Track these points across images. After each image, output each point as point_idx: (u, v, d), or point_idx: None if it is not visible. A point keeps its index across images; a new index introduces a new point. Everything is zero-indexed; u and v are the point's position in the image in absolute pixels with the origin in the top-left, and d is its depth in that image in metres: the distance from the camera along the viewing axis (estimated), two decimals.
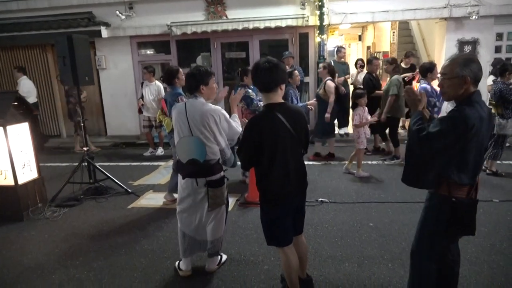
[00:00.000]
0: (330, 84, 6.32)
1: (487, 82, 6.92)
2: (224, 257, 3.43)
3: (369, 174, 5.69)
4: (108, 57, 8.96)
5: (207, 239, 3.18)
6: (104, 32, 8.53)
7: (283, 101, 2.51)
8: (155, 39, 8.80)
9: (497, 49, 8.10)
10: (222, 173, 3.09)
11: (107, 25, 8.55)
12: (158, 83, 7.44)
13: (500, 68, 5.66)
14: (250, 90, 5.23)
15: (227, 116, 3.05)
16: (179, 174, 3.12)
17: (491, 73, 6.79)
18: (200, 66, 3.09)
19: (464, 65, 2.10)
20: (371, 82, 6.89)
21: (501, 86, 5.41)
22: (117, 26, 8.59)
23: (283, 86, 2.48)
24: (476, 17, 7.38)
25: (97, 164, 5.49)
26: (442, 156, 2.13)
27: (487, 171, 5.64)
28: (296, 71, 5.81)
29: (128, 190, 5.33)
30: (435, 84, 5.90)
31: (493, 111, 5.59)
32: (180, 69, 4.53)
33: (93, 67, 8.54)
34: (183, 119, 2.95)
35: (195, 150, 2.92)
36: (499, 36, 8.05)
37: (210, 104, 3.00)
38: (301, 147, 2.58)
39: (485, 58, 7.86)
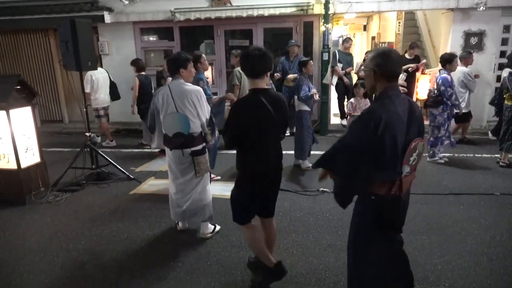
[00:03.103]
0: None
1: (502, 74, 6.85)
2: (218, 227, 3.78)
3: None
4: (111, 43, 8.90)
5: (196, 205, 3.58)
6: (107, 17, 8.45)
7: (267, 87, 2.68)
8: (158, 25, 8.73)
9: (504, 42, 7.98)
10: (204, 144, 3.53)
11: (110, 10, 8.47)
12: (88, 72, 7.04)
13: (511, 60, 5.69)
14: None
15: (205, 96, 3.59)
16: (166, 148, 3.54)
17: (506, 66, 6.71)
18: (181, 52, 3.64)
19: (372, 58, 2.14)
20: None
21: None
22: (120, 11, 8.51)
23: (269, 74, 2.65)
24: (484, 8, 7.26)
25: (99, 150, 5.50)
26: (364, 158, 2.09)
27: (500, 163, 5.67)
28: (311, 61, 5.78)
29: (130, 176, 5.35)
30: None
31: (508, 102, 5.58)
32: (203, 55, 4.96)
33: (96, 53, 8.57)
34: (168, 98, 3.40)
35: (180, 124, 3.34)
36: (506, 29, 7.93)
37: (191, 84, 3.52)
38: (281, 131, 2.76)
39: (491, 50, 7.79)
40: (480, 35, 7.74)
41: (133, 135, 7.85)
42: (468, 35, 7.75)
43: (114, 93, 7.66)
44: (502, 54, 7.93)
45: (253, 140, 2.58)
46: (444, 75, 5.60)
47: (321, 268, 3.10)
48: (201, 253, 3.37)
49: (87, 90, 7.04)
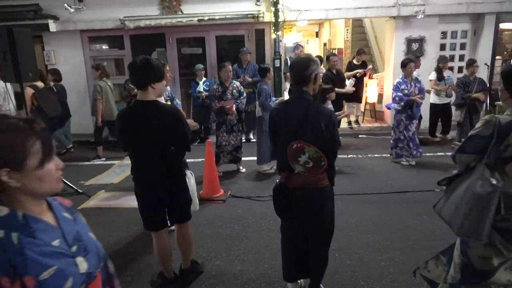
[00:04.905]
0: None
1: (429, 77, 7.30)
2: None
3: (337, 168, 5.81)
4: (58, 52, 8.55)
5: None
6: (52, 26, 8.12)
7: (154, 99, 2.62)
8: (108, 33, 8.50)
9: (442, 47, 8.53)
10: None
11: (55, 18, 8.15)
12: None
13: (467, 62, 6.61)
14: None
15: None
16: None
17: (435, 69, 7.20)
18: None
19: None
20: (329, 79, 7.06)
21: (461, 79, 6.37)
22: (66, 19, 8.21)
23: (156, 85, 2.58)
24: (422, 16, 7.74)
25: None
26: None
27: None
28: (271, 67, 5.89)
29: (79, 190, 5.15)
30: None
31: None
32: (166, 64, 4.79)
33: (42, 63, 8.21)
34: None
35: None
36: (444, 34, 8.49)
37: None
38: (168, 143, 2.63)
39: (431, 55, 8.28)
40: (421, 41, 8.23)
41: (84, 147, 7.58)
42: (409, 41, 8.22)
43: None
44: None
45: (133, 149, 2.66)
46: (398, 79, 5.92)
47: (271, 272, 3.15)
48: (152, 266, 3.30)
49: None
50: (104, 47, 9.02)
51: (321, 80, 7.44)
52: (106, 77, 7.03)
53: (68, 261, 1.14)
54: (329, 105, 5.71)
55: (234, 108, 5.53)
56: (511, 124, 1.83)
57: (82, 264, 1.18)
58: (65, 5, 7.79)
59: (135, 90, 6.94)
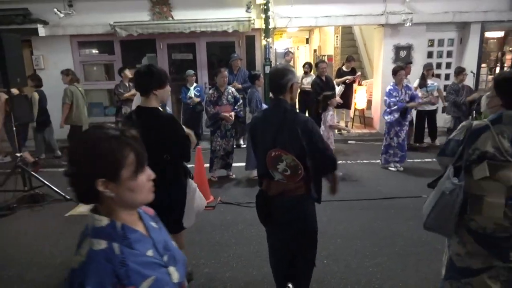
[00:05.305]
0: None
1: (413, 84, 7.41)
2: None
3: (342, 173, 5.84)
4: (47, 57, 8.49)
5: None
6: (42, 31, 8.07)
7: (156, 106, 2.68)
8: (98, 38, 8.48)
9: (429, 54, 8.70)
10: None
11: (44, 23, 8.10)
12: None
13: (456, 70, 6.85)
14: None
15: None
16: None
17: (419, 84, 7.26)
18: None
19: None
20: (318, 85, 7.12)
21: (452, 86, 6.62)
22: (56, 24, 8.16)
23: (158, 91, 2.63)
24: (410, 24, 7.88)
25: (31, 171, 5.21)
26: None
27: None
28: (261, 74, 5.93)
29: (67, 197, 5.08)
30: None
31: None
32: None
33: (30, 67, 8.13)
34: None
35: None
36: (431, 42, 8.66)
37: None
38: (169, 147, 2.66)
39: (419, 62, 8.41)
40: (408, 48, 8.38)
41: None
42: (397, 48, 8.36)
43: None
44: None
45: None
46: (389, 86, 5.99)
47: (260, 279, 3.16)
48: None
49: None
50: (94, 52, 8.97)
51: (311, 87, 7.53)
52: (77, 82, 7.02)
53: (162, 271, 1.15)
54: (330, 112, 5.79)
55: (233, 115, 5.54)
56: (481, 130, 1.92)
57: (174, 274, 1.19)
58: (55, 9, 7.76)
59: (125, 94, 6.98)
